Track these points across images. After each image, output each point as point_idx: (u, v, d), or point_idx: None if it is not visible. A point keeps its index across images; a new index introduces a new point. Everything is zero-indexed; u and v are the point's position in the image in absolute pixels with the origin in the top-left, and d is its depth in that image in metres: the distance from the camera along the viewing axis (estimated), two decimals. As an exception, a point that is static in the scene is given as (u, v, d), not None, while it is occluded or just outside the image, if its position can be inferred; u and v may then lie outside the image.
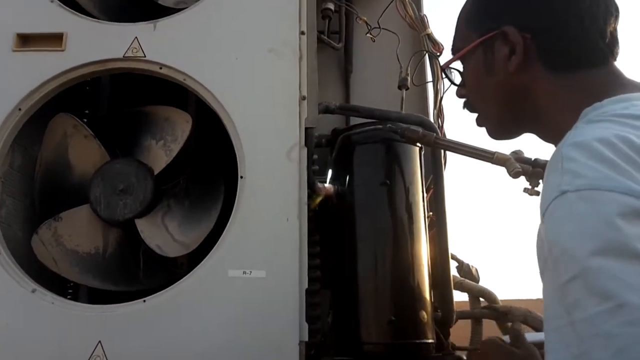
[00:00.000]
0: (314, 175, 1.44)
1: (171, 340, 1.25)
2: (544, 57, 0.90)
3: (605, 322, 0.57)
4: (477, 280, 1.77)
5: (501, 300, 1.77)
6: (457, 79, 1.09)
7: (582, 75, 0.86)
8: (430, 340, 1.39)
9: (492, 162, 1.35)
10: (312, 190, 1.40)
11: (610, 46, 0.90)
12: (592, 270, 0.60)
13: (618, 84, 0.84)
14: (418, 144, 1.52)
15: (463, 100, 1.11)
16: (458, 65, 1.07)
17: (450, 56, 1.08)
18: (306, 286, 1.30)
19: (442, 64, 1.15)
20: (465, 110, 1.13)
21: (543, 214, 0.69)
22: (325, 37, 1.76)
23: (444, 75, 1.27)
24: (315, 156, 1.55)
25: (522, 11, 0.92)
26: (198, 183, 1.51)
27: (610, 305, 0.57)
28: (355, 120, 1.68)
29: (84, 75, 1.42)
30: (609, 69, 0.88)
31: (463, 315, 1.68)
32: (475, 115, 1.10)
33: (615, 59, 0.91)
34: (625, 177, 0.64)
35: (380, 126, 1.49)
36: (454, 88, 1.11)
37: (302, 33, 1.46)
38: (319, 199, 1.45)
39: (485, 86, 0.99)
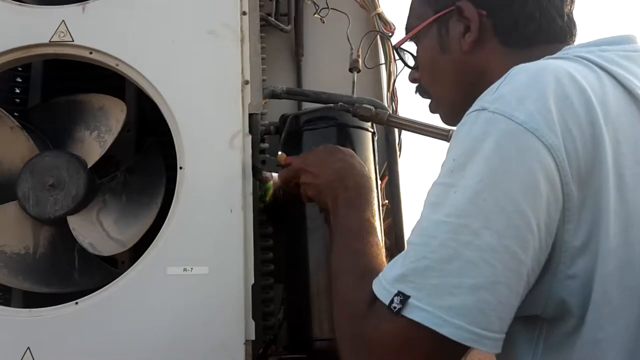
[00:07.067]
0: (260, 164, 1.36)
1: (106, 344, 1.16)
2: (500, 34, 0.88)
3: (445, 232, 0.65)
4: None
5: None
6: (411, 62, 1.04)
7: (540, 50, 0.83)
8: (386, 335, 1.33)
9: (447, 140, 1.29)
10: (258, 180, 1.33)
11: (568, 26, 0.87)
12: (462, 189, 0.66)
13: None
14: (370, 129, 1.45)
15: (415, 85, 1.07)
16: (412, 48, 1.03)
17: (404, 35, 1.03)
18: (252, 282, 1.23)
19: (394, 44, 1.09)
20: (418, 96, 1.09)
21: (465, 117, 0.73)
22: (274, 20, 1.67)
23: (396, 56, 1.24)
24: (266, 145, 1.48)
25: None
26: (137, 175, 1.42)
27: (457, 222, 0.64)
28: (307, 107, 1.60)
29: (7, 62, 1.32)
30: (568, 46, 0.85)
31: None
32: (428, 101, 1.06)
33: (573, 41, 0.89)
34: (543, 118, 0.66)
35: (331, 105, 1.41)
36: (407, 71, 1.08)
37: (244, 13, 1.37)
38: (271, 190, 1.37)
39: (439, 66, 0.95)
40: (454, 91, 0.95)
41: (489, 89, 0.73)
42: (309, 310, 1.31)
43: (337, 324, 0.80)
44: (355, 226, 0.95)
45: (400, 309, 0.65)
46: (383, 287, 0.69)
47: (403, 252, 0.71)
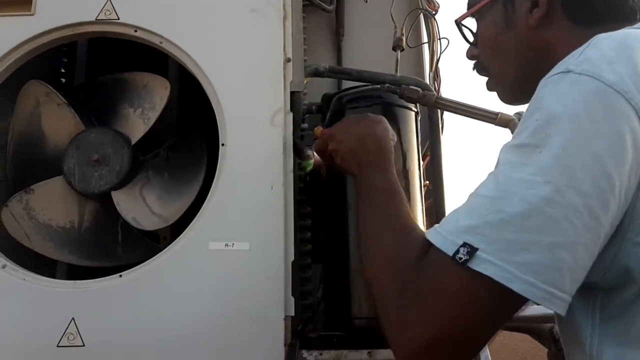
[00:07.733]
0: (301, 142, 1.36)
1: (148, 316, 1.18)
2: (568, 10, 0.85)
3: (527, 189, 0.63)
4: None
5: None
6: (470, 37, 1.02)
7: (610, 29, 0.79)
8: (424, 315, 1.31)
9: (495, 124, 1.26)
10: (300, 157, 1.32)
11: (638, 6, 0.85)
12: (548, 148, 0.64)
13: None
14: (414, 109, 1.43)
15: (473, 62, 1.04)
16: (471, 24, 1.01)
17: (466, 10, 1.01)
18: (292, 258, 1.23)
19: (456, 19, 1.07)
20: (476, 73, 1.06)
21: (544, 80, 0.71)
22: (316, -1, 1.66)
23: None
24: (306, 125, 1.47)
25: None
26: (180, 153, 1.43)
27: (541, 179, 0.63)
28: (347, 87, 1.59)
29: (55, 40, 1.34)
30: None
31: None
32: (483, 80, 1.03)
33: None
34: (633, 82, 0.64)
35: (378, 86, 1.39)
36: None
37: (287, -9, 1.37)
38: (309, 168, 1.37)
39: (503, 42, 0.93)
40: (516, 68, 0.93)
41: (570, 54, 0.71)
42: (348, 288, 1.31)
43: (379, 281, 0.76)
44: (384, 186, 0.94)
45: (466, 261, 0.63)
46: (444, 238, 0.67)
47: (464, 205, 0.69)
